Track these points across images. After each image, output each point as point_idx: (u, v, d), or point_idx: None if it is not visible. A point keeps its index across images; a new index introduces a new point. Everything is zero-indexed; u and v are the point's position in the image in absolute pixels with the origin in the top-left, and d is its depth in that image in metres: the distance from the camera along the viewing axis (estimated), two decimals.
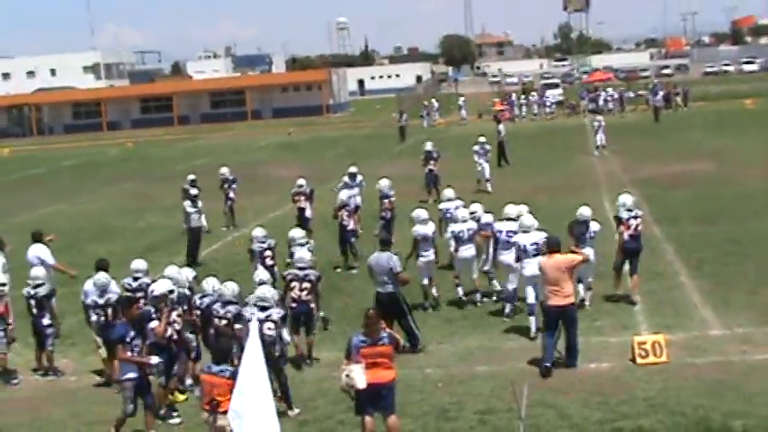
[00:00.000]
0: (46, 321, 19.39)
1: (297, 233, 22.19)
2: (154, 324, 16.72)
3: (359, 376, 13.70)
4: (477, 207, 24.27)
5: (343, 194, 28.63)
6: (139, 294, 18.98)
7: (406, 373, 15.33)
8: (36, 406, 18.05)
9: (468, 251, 22.52)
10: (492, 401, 16.11)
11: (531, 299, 20.08)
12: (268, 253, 23.29)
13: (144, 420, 15.51)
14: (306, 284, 19.27)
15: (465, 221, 22.91)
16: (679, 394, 15.92)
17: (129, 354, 15.50)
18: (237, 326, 16.60)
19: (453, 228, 22.95)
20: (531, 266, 19.95)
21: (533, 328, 19.93)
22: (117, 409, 17.43)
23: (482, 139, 42.47)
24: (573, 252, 18.84)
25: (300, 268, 19.49)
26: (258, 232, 23.94)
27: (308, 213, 30.25)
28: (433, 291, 22.79)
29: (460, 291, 22.65)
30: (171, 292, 17.41)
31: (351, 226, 27.60)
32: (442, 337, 20.02)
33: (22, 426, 17.05)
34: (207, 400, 13.47)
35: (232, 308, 17.10)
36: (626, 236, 21.92)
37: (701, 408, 15.24)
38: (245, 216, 35.24)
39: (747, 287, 22.33)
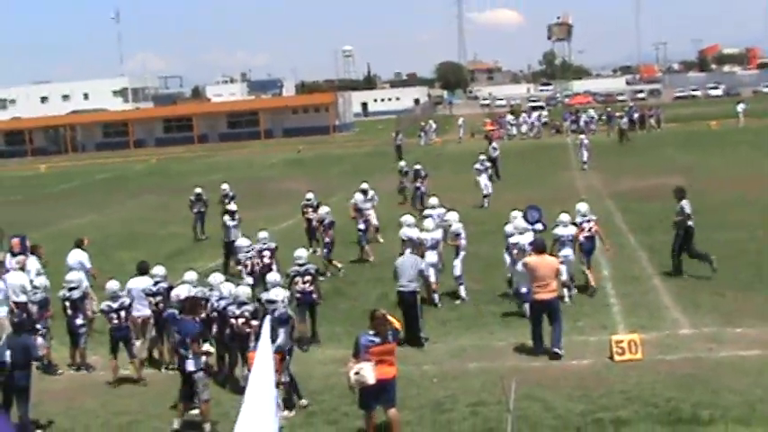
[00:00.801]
0: (79, 321, 19.49)
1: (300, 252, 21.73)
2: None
3: (369, 373, 13.81)
4: (451, 216, 24.59)
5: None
6: (158, 298, 19.11)
7: (404, 369, 15.32)
8: (71, 397, 18.15)
9: (430, 257, 22.72)
10: (483, 395, 16.11)
11: (564, 276, 21.39)
12: (266, 252, 24.14)
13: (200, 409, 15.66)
14: (307, 277, 20.41)
15: (431, 231, 23.33)
16: (653, 388, 15.93)
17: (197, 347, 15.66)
18: (254, 322, 16.65)
19: (423, 236, 23.38)
20: (565, 251, 22.23)
21: (566, 298, 21.70)
22: (141, 401, 17.53)
23: (482, 156, 42.43)
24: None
25: (300, 265, 20.49)
26: (262, 234, 24.95)
27: (314, 223, 30.26)
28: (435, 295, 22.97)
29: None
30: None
31: (327, 240, 27.80)
32: (437, 337, 20.00)
33: (59, 414, 17.12)
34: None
35: (249, 307, 17.30)
36: (581, 237, 23.01)
37: (672, 400, 15.26)
38: (257, 224, 35.21)
39: (714, 291, 22.32)
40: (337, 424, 15.40)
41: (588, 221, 23.35)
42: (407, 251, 22.40)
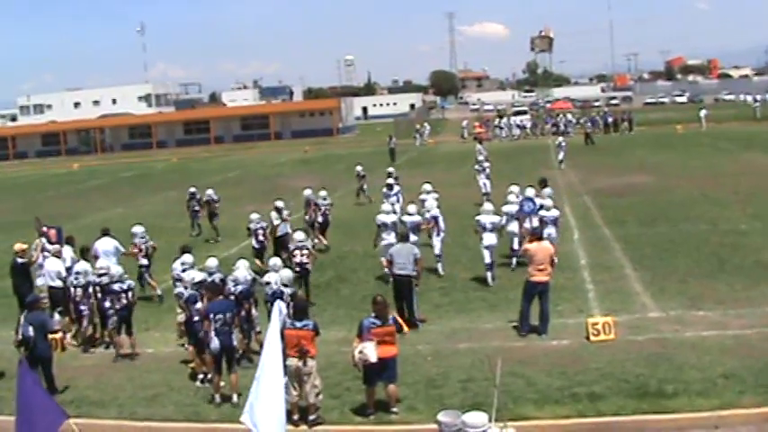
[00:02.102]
0: (107, 304, 19.45)
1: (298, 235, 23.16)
2: (198, 305, 16.90)
3: (371, 352, 14.10)
4: (428, 202, 26.02)
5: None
6: (181, 289, 19.07)
7: (401, 348, 15.30)
8: (100, 372, 18.20)
9: (412, 237, 23.17)
10: (472, 372, 16.14)
11: (487, 260, 23.15)
12: (260, 231, 26.68)
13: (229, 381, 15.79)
14: (305, 251, 22.22)
15: (411, 215, 24.42)
16: (624, 365, 15.98)
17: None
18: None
19: (405, 219, 24.50)
20: (488, 238, 23.14)
21: (490, 280, 23.13)
22: (164, 375, 17.61)
23: (480, 157, 41.96)
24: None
25: (300, 241, 22.40)
26: (254, 216, 27.06)
27: (320, 219, 30.33)
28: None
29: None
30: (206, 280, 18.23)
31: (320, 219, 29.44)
32: (431, 320, 20.04)
33: (90, 387, 17.22)
34: (295, 350, 14.09)
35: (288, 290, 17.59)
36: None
37: (641, 376, 15.33)
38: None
39: (679, 278, 22.38)
40: (340, 398, 15.44)
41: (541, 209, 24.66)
42: (391, 236, 23.26)
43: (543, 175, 31.91)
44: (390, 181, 32.90)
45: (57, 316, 21.16)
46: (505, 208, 25.28)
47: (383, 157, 65.10)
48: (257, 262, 25.42)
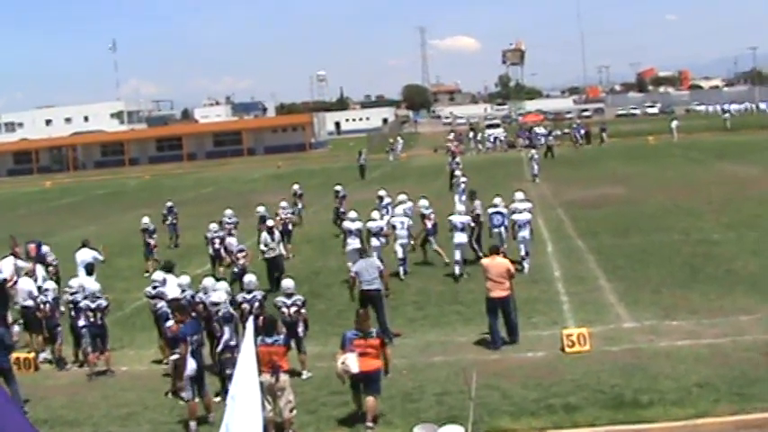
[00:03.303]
0: (81, 323, 19.37)
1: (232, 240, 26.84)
2: (170, 323, 16.82)
3: (353, 363, 14.24)
4: (398, 210, 28.24)
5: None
6: (159, 304, 19.01)
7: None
8: (74, 391, 18.06)
9: (375, 241, 25.72)
10: (447, 385, 16.13)
11: (457, 257, 25.35)
12: (216, 240, 28.09)
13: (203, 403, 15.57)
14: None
15: (375, 220, 26.60)
16: (599, 376, 16.01)
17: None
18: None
19: (370, 225, 26.28)
20: (458, 237, 25.47)
21: (457, 272, 25.26)
22: (139, 394, 17.51)
23: (457, 173, 41.93)
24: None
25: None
26: (212, 226, 28.96)
27: (290, 227, 32.40)
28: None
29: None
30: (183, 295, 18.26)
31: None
32: (405, 333, 20.03)
33: (64, 406, 17.09)
34: (268, 366, 14.02)
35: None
36: (428, 224, 27.70)
37: (616, 386, 15.35)
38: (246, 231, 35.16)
39: (653, 288, 22.46)
40: (316, 413, 15.38)
41: (432, 213, 27.84)
42: (356, 241, 25.46)
43: (517, 187, 31.96)
44: (382, 193, 32.83)
45: (16, 328, 21.23)
46: (515, 216, 26.35)
47: (356, 171, 65.08)
48: (219, 268, 27.77)
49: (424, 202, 28.69)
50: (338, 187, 37.72)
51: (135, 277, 25.83)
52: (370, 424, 14.47)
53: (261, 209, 32.11)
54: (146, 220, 32.44)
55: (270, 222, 27.14)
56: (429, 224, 27.76)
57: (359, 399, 14.85)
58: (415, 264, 27.76)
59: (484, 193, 30.65)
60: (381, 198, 32.50)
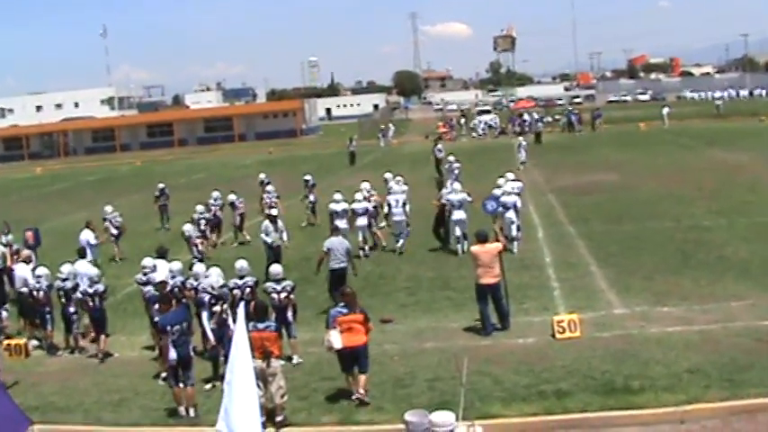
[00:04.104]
0: (72, 309, 19.42)
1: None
2: (157, 306, 16.89)
3: (335, 338, 14.80)
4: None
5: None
6: (147, 288, 19.03)
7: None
8: (66, 378, 18.04)
9: (360, 221, 27.82)
10: (439, 371, 16.15)
11: (457, 232, 26.57)
12: (202, 220, 29.64)
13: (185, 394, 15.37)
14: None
15: (360, 201, 28.27)
16: (590, 362, 16.04)
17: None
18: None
19: (354, 205, 28.09)
20: (457, 214, 26.68)
21: (460, 251, 26.06)
22: (130, 380, 17.50)
23: (451, 158, 41.81)
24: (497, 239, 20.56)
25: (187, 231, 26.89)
26: (198, 207, 30.26)
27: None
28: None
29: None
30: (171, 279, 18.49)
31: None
32: (397, 320, 20.04)
33: (56, 393, 17.05)
34: (259, 352, 14.00)
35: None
36: (370, 208, 28.70)
37: (607, 372, 15.39)
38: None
39: (644, 275, 22.50)
40: (307, 399, 15.39)
41: (372, 195, 29.68)
42: (343, 222, 26.77)
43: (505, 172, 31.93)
44: (388, 175, 32.78)
45: (3, 313, 21.24)
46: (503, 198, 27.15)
47: (346, 158, 65.02)
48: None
49: (365, 185, 30.37)
50: (308, 176, 37.72)
51: (126, 264, 25.83)
52: (361, 391, 14.93)
53: (231, 196, 33.52)
54: (108, 208, 32.06)
55: (274, 211, 27.00)
56: (369, 206, 28.73)
57: (349, 376, 15.17)
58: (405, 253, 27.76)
59: (476, 180, 30.73)
60: (387, 180, 32.47)
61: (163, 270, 19.30)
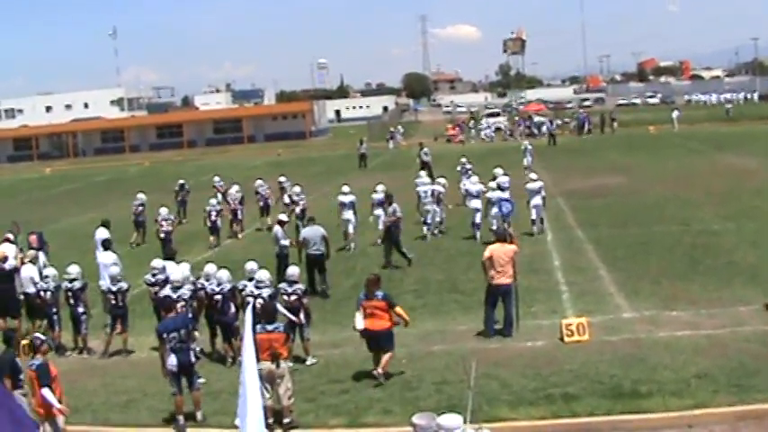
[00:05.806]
0: (80, 310, 19.52)
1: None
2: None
3: (358, 320, 16.29)
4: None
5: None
6: (156, 289, 19.14)
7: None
8: (74, 378, 17.96)
9: (348, 215, 29.59)
10: (446, 374, 16.16)
11: (477, 220, 29.21)
12: (213, 212, 32.47)
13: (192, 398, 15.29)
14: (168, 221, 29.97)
15: (346, 194, 29.82)
16: (598, 366, 16.03)
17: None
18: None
19: (373, 196, 30.15)
20: (474, 203, 29.60)
21: (478, 238, 28.53)
22: (138, 381, 17.53)
23: (463, 159, 41.68)
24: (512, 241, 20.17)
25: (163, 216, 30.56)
26: (212, 201, 33.37)
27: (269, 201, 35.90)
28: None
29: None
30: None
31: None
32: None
33: (63, 394, 17.00)
34: (268, 353, 14.22)
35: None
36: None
37: (615, 376, 15.39)
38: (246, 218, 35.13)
39: (652, 279, 22.48)
40: (315, 401, 15.43)
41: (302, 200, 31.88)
42: (349, 213, 29.37)
43: (514, 176, 32.06)
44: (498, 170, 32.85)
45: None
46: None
47: (356, 160, 64.96)
48: (211, 238, 32.38)
49: (296, 189, 33.22)
50: (282, 178, 38.34)
51: (135, 265, 25.81)
52: (379, 370, 15.86)
53: (216, 178, 39.30)
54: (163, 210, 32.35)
55: (283, 217, 26.67)
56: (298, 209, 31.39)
57: (375, 356, 16.27)
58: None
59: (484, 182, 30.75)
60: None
61: (175, 271, 19.27)
